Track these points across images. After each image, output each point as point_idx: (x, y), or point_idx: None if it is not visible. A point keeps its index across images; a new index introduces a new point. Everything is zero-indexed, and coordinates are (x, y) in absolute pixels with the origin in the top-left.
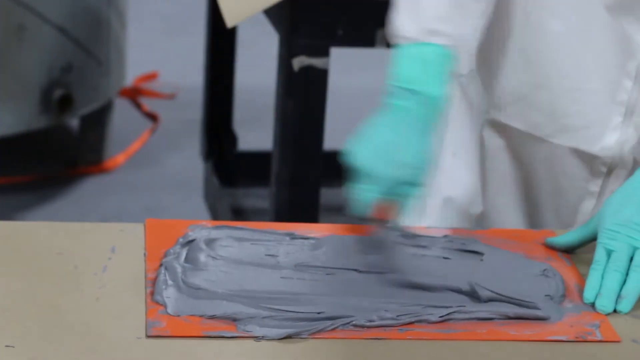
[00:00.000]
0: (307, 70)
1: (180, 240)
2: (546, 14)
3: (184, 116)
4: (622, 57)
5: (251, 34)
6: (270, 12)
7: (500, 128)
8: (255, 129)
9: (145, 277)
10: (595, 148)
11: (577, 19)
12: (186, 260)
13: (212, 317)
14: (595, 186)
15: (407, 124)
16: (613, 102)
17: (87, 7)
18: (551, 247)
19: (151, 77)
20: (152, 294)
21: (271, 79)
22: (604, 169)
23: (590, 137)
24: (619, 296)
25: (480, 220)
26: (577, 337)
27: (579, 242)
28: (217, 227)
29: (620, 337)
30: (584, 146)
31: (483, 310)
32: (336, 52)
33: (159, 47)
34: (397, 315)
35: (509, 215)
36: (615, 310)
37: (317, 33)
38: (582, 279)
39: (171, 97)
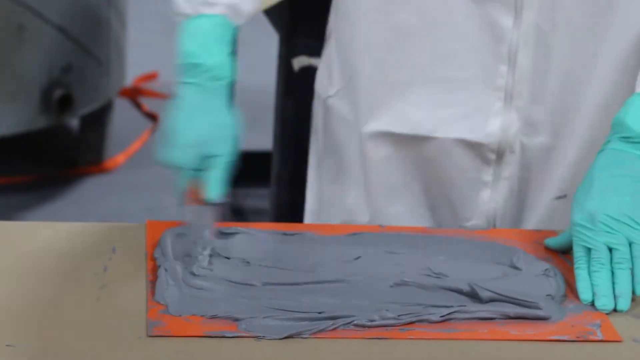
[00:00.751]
0: (307, 70)
1: (167, 236)
2: (408, 10)
3: None
4: (492, 43)
5: (251, 34)
6: (270, 12)
7: (380, 138)
8: (255, 129)
9: (146, 277)
10: (479, 135)
11: (437, 13)
12: (179, 257)
13: (213, 317)
14: (487, 175)
15: (188, 101)
16: (491, 87)
17: (87, 7)
18: (549, 249)
19: (151, 77)
20: (152, 294)
21: (271, 79)
22: (493, 156)
23: (473, 125)
24: (614, 294)
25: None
26: (578, 337)
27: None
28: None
29: (621, 336)
30: (468, 135)
31: (484, 310)
32: None
33: (159, 47)
34: (399, 315)
35: (407, 222)
36: (615, 310)
37: (317, 33)
38: None
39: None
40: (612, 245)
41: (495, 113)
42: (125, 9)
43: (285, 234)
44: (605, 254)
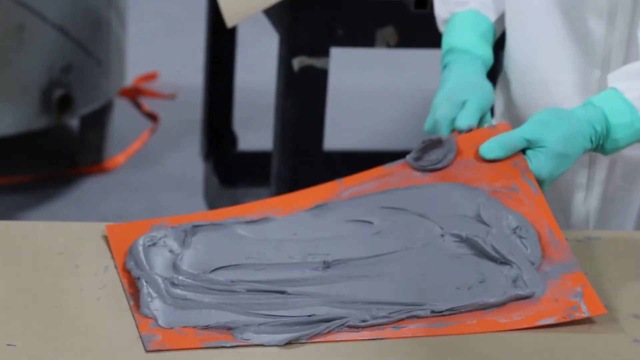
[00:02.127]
0: (307, 70)
1: (139, 246)
2: (520, 16)
3: (184, 116)
4: (586, 48)
5: (251, 34)
6: (270, 12)
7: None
8: (255, 129)
9: (124, 290)
10: None
11: (539, 16)
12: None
13: (207, 328)
14: (582, 177)
15: (473, 68)
16: (585, 91)
17: (87, 7)
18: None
19: (151, 77)
20: (136, 307)
21: (271, 79)
22: (587, 158)
23: None
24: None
25: None
26: (564, 317)
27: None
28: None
29: (620, 337)
30: None
31: (469, 304)
32: (336, 52)
33: (159, 47)
34: (389, 313)
35: None
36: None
37: (317, 33)
38: (552, 218)
39: (171, 97)
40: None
41: None
42: (125, 9)
43: (250, 222)
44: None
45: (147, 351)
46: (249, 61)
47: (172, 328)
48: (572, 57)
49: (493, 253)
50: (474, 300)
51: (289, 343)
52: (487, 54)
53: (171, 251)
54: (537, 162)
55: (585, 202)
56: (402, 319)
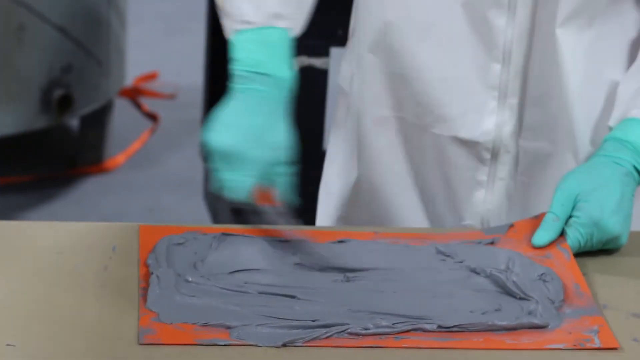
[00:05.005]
0: (307, 70)
1: (163, 243)
2: (409, 8)
3: (184, 116)
4: (487, 42)
5: None
6: None
7: (381, 123)
8: None
9: (139, 283)
10: (474, 134)
11: (439, 9)
12: (174, 265)
13: (205, 325)
14: (482, 174)
15: (265, 105)
16: (486, 86)
17: (87, 7)
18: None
19: (151, 77)
20: (144, 301)
21: None
22: (488, 155)
23: (469, 123)
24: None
25: (379, 219)
26: (575, 345)
27: (560, 231)
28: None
29: (620, 336)
30: (464, 134)
31: (480, 323)
32: (336, 52)
33: (159, 47)
34: (393, 324)
35: (408, 212)
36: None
37: (317, 33)
38: (581, 277)
39: (171, 97)
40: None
41: (490, 112)
42: (125, 9)
43: (280, 241)
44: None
45: (140, 344)
46: None
47: (172, 323)
48: (471, 51)
49: (514, 289)
50: (484, 321)
51: (284, 345)
52: (294, 90)
53: (196, 253)
54: (572, 234)
55: (484, 200)
56: (406, 331)
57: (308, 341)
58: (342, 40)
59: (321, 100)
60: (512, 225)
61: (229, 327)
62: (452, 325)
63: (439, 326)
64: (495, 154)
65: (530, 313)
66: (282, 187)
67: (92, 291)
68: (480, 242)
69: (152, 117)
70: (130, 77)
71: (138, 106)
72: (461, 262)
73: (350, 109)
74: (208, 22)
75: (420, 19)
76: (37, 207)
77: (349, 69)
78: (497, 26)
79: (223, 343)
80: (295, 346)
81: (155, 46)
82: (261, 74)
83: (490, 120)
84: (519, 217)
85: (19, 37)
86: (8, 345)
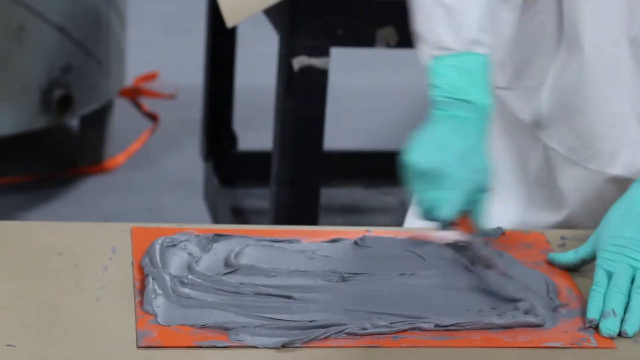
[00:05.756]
0: (307, 70)
1: (157, 245)
2: (583, 41)
3: (184, 116)
4: None
5: (251, 34)
6: (270, 12)
7: (538, 145)
8: (255, 129)
9: (134, 286)
10: (630, 172)
11: (609, 44)
12: (168, 266)
13: (204, 327)
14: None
15: (467, 130)
16: None
17: (87, 7)
18: (552, 264)
19: (151, 77)
20: (141, 303)
21: (271, 79)
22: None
23: (625, 161)
24: (623, 319)
25: None
26: (572, 344)
27: (580, 262)
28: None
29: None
30: (620, 171)
31: (477, 321)
32: (336, 52)
33: (159, 47)
34: (391, 323)
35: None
36: (620, 334)
37: (317, 33)
38: (573, 283)
39: (171, 97)
40: (637, 268)
41: None
42: (125, 9)
43: (274, 241)
44: (626, 280)
45: (139, 347)
46: (249, 61)
47: (170, 325)
48: (633, 87)
49: (511, 293)
50: (481, 320)
51: (283, 346)
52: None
53: (190, 254)
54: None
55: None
56: (404, 330)
57: (306, 342)
58: (342, 40)
59: (321, 100)
60: (503, 233)
61: (227, 329)
62: (449, 324)
63: (437, 325)
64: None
65: (526, 313)
66: (481, 214)
67: (92, 292)
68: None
69: (152, 117)
70: (130, 77)
71: (138, 106)
72: (460, 262)
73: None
74: (208, 22)
75: (591, 52)
76: (37, 207)
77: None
78: None
79: (222, 345)
80: (294, 347)
81: (155, 46)
82: (461, 100)
83: None
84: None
85: (19, 37)
86: (8, 345)
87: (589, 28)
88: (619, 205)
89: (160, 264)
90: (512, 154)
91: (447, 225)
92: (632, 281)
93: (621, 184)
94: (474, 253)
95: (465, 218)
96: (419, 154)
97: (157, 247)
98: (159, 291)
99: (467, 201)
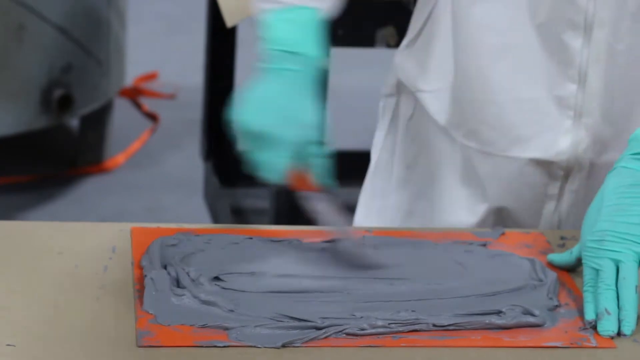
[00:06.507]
0: None
1: (156, 245)
2: (482, 30)
3: (184, 116)
4: (562, 63)
5: (251, 34)
6: None
7: (452, 144)
8: None
9: (134, 285)
10: (550, 154)
11: (512, 32)
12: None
13: (204, 327)
14: (554, 189)
15: (296, 85)
16: (561, 106)
17: (87, 7)
18: (551, 265)
19: (151, 77)
20: (141, 303)
21: None
22: (561, 172)
23: (544, 144)
24: (619, 318)
25: None
26: (572, 343)
27: (576, 261)
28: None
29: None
30: (540, 154)
31: (477, 321)
32: (336, 52)
33: (159, 47)
34: (389, 324)
35: (468, 221)
36: (618, 334)
37: None
38: (573, 283)
39: (171, 97)
40: (618, 260)
41: (565, 131)
42: (125, 9)
43: (272, 241)
44: (611, 274)
45: (139, 346)
46: (249, 61)
47: (169, 325)
48: (546, 72)
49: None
50: (481, 320)
51: (283, 346)
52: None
53: (189, 254)
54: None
55: (555, 210)
56: (403, 331)
57: (306, 342)
58: (342, 40)
59: (321, 100)
60: (503, 233)
61: (227, 329)
62: (447, 324)
63: (435, 325)
64: (568, 171)
65: (525, 313)
66: (317, 169)
67: (91, 292)
68: (472, 244)
69: (152, 117)
70: (130, 77)
71: (138, 106)
72: (460, 262)
73: (411, 109)
74: (208, 22)
75: (491, 42)
76: (37, 207)
77: (413, 71)
78: (573, 48)
79: (222, 345)
80: (293, 347)
81: (155, 46)
82: (292, 52)
83: (566, 140)
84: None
85: (19, 37)
86: (8, 345)
87: (490, 19)
88: (595, 200)
89: (159, 264)
90: (432, 158)
91: (280, 184)
92: (618, 273)
93: (543, 166)
94: (312, 208)
95: (302, 174)
96: (246, 113)
97: (157, 246)
98: (158, 291)
99: (297, 159)
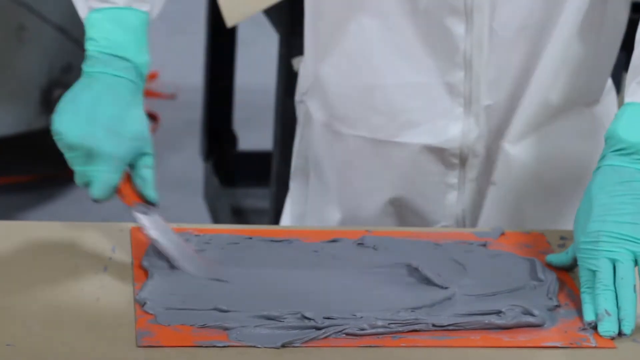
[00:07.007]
0: None
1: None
2: (364, 14)
3: (184, 116)
4: (447, 50)
5: (251, 34)
6: (270, 12)
7: (345, 139)
8: (255, 129)
9: (134, 286)
10: (441, 141)
11: (394, 17)
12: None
13: (203, 327)
14: (452, 178)
15: (122, 93)
16: (451, 93)
17: None
18: (550, 265)
19: (151, 77)
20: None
21: (271, 79)
22: (456, 160)
23: (434, 130)
24: (619, 318)
25: None
26: (571, 343)
27: (573, 261)
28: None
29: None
30: (430, 140)
31: (477, 321)
32: None
33: (159, 47)
34: (389, 324)
35: (377, 217)
36: (620, 334)
37: None
38: (573, 283)
39: (171, 97)
40: (615, 259)
41: (456, 118)
42: None
43: (272, 241)
44: (609, 275)
45: (139, 346)
46: (249, 61)
47: (169, 325)
48: (432, 57)
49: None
50: (481, 320)
51: (283, 346)
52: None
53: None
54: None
55: (457, 201)
56: (402, 331)
57: (306, 342)
58: None
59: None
60: (503, 233)
61: (226, 329)
62: (447, 324)
63: (434, 325)
64: (463, 159)
65: (524, 313)
66: (143, 181)
67: (91, 292)
68: (472, 244)
69: (152, 117)
70: None
71: None
72: (461, 263)
73: (310, 114)
74: (208, 22)
75: (374, 25)
76: (37, 207)
77: (308, 73)
78: (457, 34)
79: (222, 345)
80: (293, 347)
81: (156, 46)
82: (117, 56)
83: (457, 127)
84: (495, 215)
85: (19, 37)
86: (8, 345)
87: (375, 4)
88: (583, 200)
89: (159, 264)
90: (327, 160)
91: (105, 199)
92: (615, 273)
93: (436, 153)
94: (139, 221)
95: (129, 185)
96: (67, 123)
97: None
98: (158, 291)
99: (122, 172)
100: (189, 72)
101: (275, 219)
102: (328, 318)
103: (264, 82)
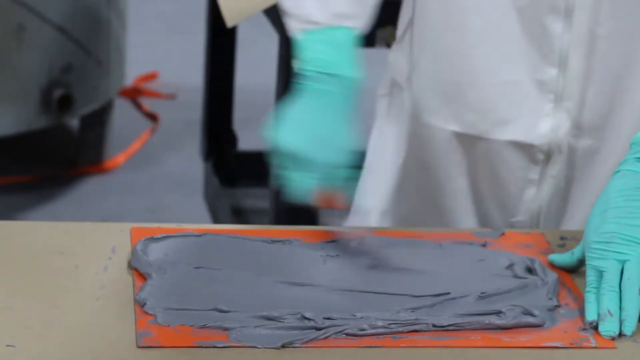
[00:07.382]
0: None
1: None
2: (466, 12)
3: (184, 116)
4: (543, 47)
5: (251, 34)
6: (270, 12)
7: (434, 132)
8: (255, 129)
9: (134, 286)
10: (530, 137)
11: (495, 15)
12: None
13: (203, 327)
14: (534, 174)
15: (332, 107)
16: (541, 90)
17: (87, 7)
18: (552, 265)
19: (151, 77)
20: (140, 303)
21: (271, 79)
22: (541, 156)
23: (525, 127)
24: (621, 318)
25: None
26: (571, 344)
27: (577, 262)
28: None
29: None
30: (520, 137)
31: (477, 322)
32: None
33: (159, 47)
34: (389, 324)
35: (456, 209)
36: (620, 334)
37: None
38: (573, 283)
39: (171, 97)
40: (624, 260)
41: (546, 114)
42: (125, 9)
43: (273, 241)
44: (616, 276)
45: (139, 347)
46: (249, 61)
47: (169, 325)
48: (527, 55)
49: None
50: (481, 320)
51: (283, 346)
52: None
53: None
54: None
55: (535, 197)
56: (402, 331)
57: (306, 342)
58: None
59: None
60: (503, 233)
61: (226, 329)
62: (447, 324)
63: (434, 325)
64: (548, 155)
65: (524, 313)
66: (344, 190)
67: (92, 292)
68: (472, 244)
69: (152, 117)
70: (130, 77)
71: (138, 106)
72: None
73: (404, 107)
74: (208, 22)
75: (475, 24)
76: (37, 207)
77: (404, 67)
78: (554, 32)
79: (222, 345)
80: (293, 347)
81: (155, 46)
82: (329, 74)
83: (546, 123)
84: (571, 212)
85: (19, 37)
86: (8, 346)
87: (475, 2)
88: (599, 202)
89: (158, 264)
90: (427, 154)
91: (307, 203)
92: (622, 274)
93: (523, 149)
94: (333, 224)
95: (331, 195)
96: (282, 132)
97: (139, 249)
98: (158, 291)
99: (327, 181)
100: (189, 72)
101: (276, 219)
102: (328, 318)
103: (264, 82)
